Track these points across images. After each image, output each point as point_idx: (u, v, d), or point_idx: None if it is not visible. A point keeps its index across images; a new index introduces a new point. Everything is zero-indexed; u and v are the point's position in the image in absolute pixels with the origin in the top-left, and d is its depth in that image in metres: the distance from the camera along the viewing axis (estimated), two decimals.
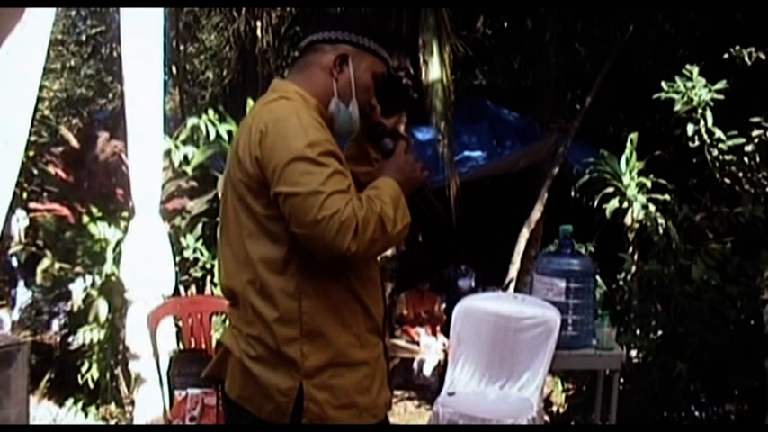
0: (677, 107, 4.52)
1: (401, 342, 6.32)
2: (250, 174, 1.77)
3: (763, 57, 4.69)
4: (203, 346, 3.66)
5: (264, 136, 1.74)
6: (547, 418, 4.97)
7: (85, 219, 4.85)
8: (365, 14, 2.07)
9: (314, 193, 1.66)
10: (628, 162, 5.01)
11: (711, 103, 4.49)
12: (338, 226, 1.65)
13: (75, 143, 5.24)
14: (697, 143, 4.56)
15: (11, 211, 4.37)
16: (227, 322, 2.00)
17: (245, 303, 1.82)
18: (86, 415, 4.90)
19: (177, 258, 4.64)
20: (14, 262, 6.95)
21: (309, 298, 1.77)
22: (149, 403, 4.08)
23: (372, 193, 1.78)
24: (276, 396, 1.78)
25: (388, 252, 5.73)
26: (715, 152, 4.57)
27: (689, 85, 4.50)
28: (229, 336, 1.90)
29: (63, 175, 5.11)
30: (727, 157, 4.55)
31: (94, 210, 4.86)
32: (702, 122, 4.51)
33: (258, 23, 8.49)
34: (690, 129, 4.52)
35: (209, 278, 5.18)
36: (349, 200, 1.69)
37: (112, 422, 4.87)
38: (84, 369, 4.89)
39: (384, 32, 2.05)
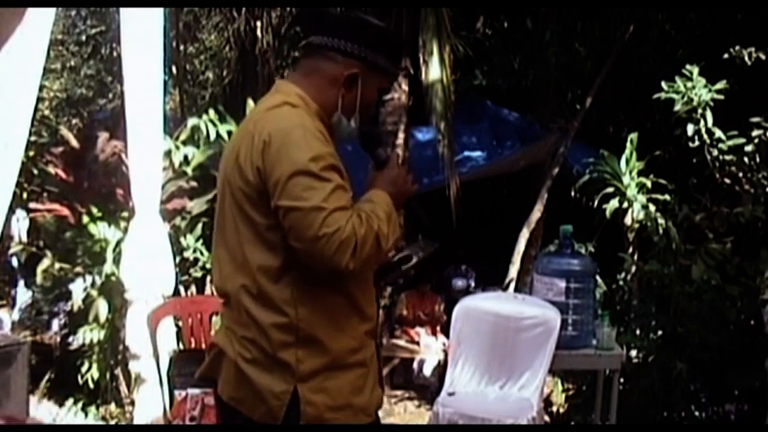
0: (677, 107, 4.52)
1: (401, 342, 6.31)
2: (251, 183, 1.75)
3: (763, 57, 4.69)
4: (203, 346, 3.65)
5: (268, 146, 1.72)
6: (547, 418, 4.97)
7: (85, 219, 4.85)
8: (379, 26, 1.96)
9: (316, 208, 1.66)
10: (628, 162, 5.02)
11: (711, 103, 4.49)
12: (338, 244, 1.65)
13: (75, 143, 5.24)
14: (697, 143, 4.56)
15: (11, 211, 4.37)
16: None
17: (238, 306, 1.82)
18: (86, 415, 4.89)
19: (177, 258, 4.64)
20: (14, 262, 6.94)
21: (305, 305, 1.77)
22: (149, 403, 4.07)
23: (368, 208, 1.78)
24: (269, 399, 1.78)
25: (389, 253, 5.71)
26: (715, 152, 4.57)
27: (689, 85, 4.50)
28: (223, 336, 1.89)
29: (63, 175, 5.11)
30: (727, 157, 4.55)
31: (94, 210, 4.86)
32: (702, 122, 4.51)
33: (258, 23, 8.49)
34: (690, 129, 4.52)
35: (209, 278, 5.17)
36: (349, 217, 1.69)
37: (112, 422, 4.87)
38: (84, 369, 4.88)
39: (395, 46, 1.97)
